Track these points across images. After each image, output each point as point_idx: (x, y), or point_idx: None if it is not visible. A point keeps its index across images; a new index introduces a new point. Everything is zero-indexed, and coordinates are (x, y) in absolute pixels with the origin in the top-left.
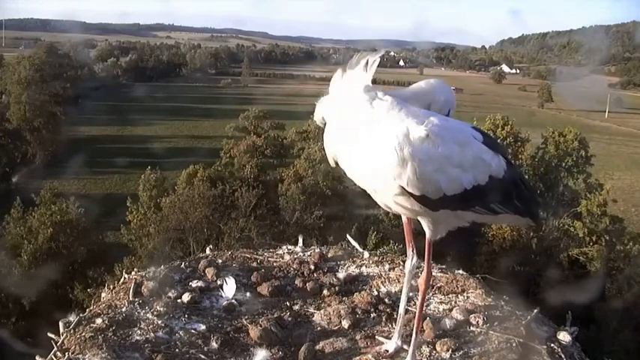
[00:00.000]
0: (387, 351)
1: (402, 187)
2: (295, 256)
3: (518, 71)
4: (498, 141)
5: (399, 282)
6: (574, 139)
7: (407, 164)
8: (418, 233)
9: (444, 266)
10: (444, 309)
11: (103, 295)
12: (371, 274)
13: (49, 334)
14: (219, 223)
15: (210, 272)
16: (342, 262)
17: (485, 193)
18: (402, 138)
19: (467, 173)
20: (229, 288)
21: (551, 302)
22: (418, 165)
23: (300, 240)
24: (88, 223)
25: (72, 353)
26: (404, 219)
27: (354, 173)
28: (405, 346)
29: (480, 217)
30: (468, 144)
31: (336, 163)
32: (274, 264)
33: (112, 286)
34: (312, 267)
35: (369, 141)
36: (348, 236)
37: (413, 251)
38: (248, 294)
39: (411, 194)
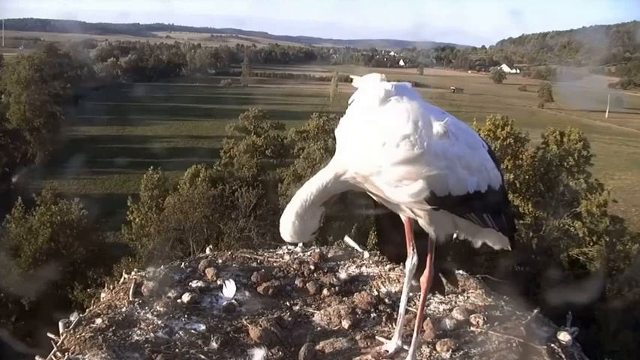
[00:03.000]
0: (387, 351)
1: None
2: (295, 256)
3: (518, 71)
4: (498, 146)
5: (399, 282)
6: (578, 140)
7: (422, 155)
8: (419, 234)
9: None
10: (444, 309)
11: (103, 295)
12: (371, 274)
13: (49, 334)
14: (219, 223)
15: (210, 272)
16: (342, 262)
17: (483, 201)
18: (423, 130)
19: (472, 177)
20: (229, 291)
21: (552, 302)
22: (433, 159)
23: None
24: (88, 223)
25: (72, 353)
26: (403, 218)
27: (362, 158)
28: (405, 347)
29: (469, 228)
30: (476, 149)
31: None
32: (274, 264)
33: (111, 286)
34: (312, 267)
35: (385, 129)
36: (346, 237)
37: (413, 250)
38: (248, 294)
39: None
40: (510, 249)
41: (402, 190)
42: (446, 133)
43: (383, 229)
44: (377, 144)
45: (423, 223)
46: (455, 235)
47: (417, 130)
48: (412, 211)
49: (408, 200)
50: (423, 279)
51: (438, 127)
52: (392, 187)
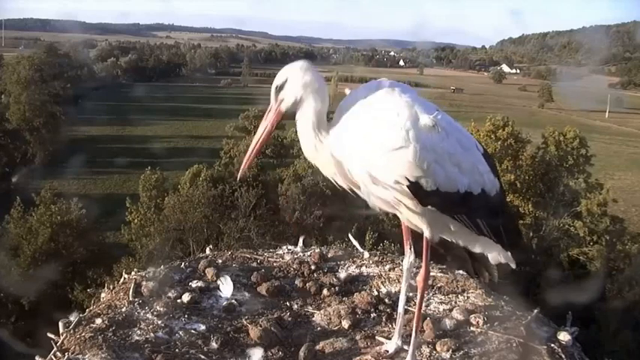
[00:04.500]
0: (387, 351)
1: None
2: (295, 256)
3: (518, 71)
4: (498, 147)
5: (399, 282)
6: (574, 139)
7: (409, 145)
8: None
9: (444, 266)
10: (444, 309)
11: (103, 295)
12: (371, 274)
13: (49, 334)
14: (218, 223)
15: (210, 272)
16: (342, 262)
17: (475, 203)
18: (409, 121)
19: (463, 176)
20: (227, 287)
21: (552, 302)
22: (420, 149)
23: (301, 240)
24: (88, 223)
25: (72, 353)
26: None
27: (349, 154)
28: (405, 347)
29: (462, 233)
30: (469, 149)
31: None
32: (274, 264)
33: (111, 286)
34: (312, 267)
35: (373, 119)
36: (350, 235)
37: (410, 249)
38: (248, 294)
39: (405, 179)
40: (514, 266)
41: (386, 180)
42: (435, 127)
43: None
44: (363, 134)
45: (413, 220)
46: (450, 240)
47: (404, 121)
48: (402, 209)
49: (394, 194)
50: (420, 278)
51: (427, 120)
52: (377, 179)
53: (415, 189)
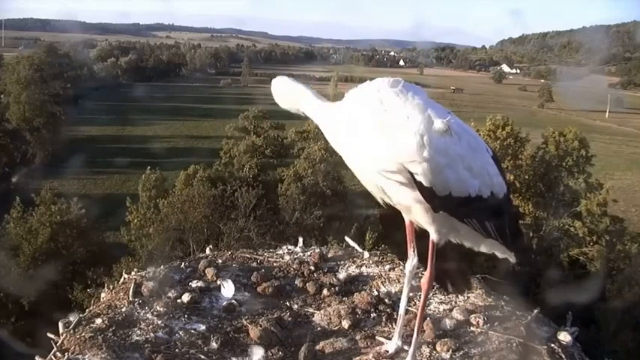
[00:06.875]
0: (387, 351)
1: (412, 175)
2: (295, 257)
3: (518, 71)
4: (498, 146)
5: (399, 282)
6: (574, 139)
7: (423, 151)
8: (419, 235)
9: None
10: (444, 309)
11: (103, 295)
12: (371, 274)
13: (49, 335)
14: (218, 223)
15: (210, 272)
16: (342, 262)
17: (485, 206)
18: (423, 126)
19: (474, 179)
20: (228, 291)
21: (552, 302)
22: (434, 154)
23: (301, 240)
24: (88, 223)
25: (72, 353)
26: (405, 219)
27: (363, 159)
28: (405, 347)
29: (470, 236)
30: (479, 151)
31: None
32: (274, 264)
33: (111, 287)
34: (312, 267)
35: (389, 123)
36: (346, 238)
37: (414, 251)
38: (248, 294)
39: (418, 185)
40: (514, 261)
41: (400, 188)
42: (448, 131)
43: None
44: (377, 136)
45: (423, 224)
46: (456, 242)
47: (418, 125)
48: (412, 211)
49: (405, 207)
50: (424, 280)
51: (440, 124)
52: (391, 183)
53: (428, 194)
